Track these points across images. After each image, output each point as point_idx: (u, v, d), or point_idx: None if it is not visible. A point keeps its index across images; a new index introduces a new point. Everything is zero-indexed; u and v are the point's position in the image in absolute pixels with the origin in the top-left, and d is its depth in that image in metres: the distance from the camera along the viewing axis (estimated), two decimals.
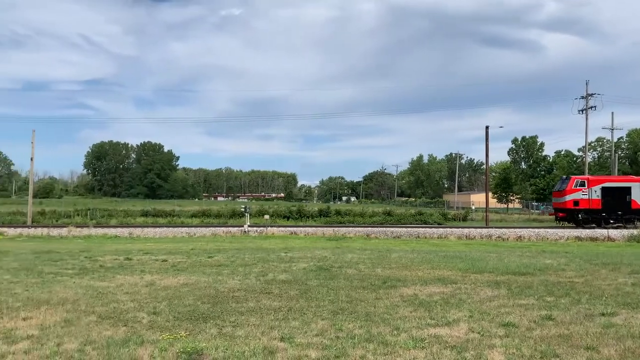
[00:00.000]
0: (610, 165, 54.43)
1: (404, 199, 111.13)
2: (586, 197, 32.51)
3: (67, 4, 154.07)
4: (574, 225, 32.68)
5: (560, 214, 33.91)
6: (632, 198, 32.40)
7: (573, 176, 35.86)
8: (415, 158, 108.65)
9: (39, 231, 29.60)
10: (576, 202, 32.58)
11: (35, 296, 9.04)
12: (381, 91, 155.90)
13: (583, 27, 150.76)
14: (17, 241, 24.74)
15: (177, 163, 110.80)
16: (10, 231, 29.81)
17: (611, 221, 32.62)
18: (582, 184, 32.76)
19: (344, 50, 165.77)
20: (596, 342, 6.14)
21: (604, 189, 32.55)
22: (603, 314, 7.60)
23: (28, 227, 32.92)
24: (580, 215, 32.82)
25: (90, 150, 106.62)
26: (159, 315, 7.54)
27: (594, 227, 31.89)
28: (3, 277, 11.35)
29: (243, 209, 31.88)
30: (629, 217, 32.63)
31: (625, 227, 31.80)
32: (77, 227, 31.53)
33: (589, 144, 52.80)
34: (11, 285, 10.21)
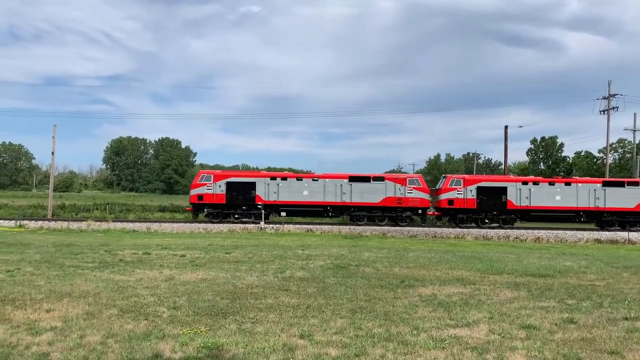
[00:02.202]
0: (632, 167, 53.58)
1: None
2: (461, 196, 32.36)
3: (88, 0, 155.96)
4: (454, 225, 32.76)
5: (436, 213, 33.96)
6: (507, 198, 32.30)
7: (449, 175, 35.94)
8: (432, 157, 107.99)
9: (59, 224, 30.02)
10: (451, 202, 32.49)
11: (57, 288, 9.17)
12: (399, 89, 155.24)
13: (606, 26, 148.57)
14: (38, 234, 25.12)
15: (194, 159, 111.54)
16: (32, 224, 30.29)
17: (487, 221, 32.56)
18: (458, 183, 32.70)
19: (362, 48, 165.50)
20: (620, 346, 6.05)
21: (479, 189, 32.44)
22: (626, 318, 7.49)
23: (48, 220, 33.41)
24: (454, 214, 32.95)
25: (109, 146, 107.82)
26: (179, 310, 7.61)
27: (473, 227, 32.00)
28: (26, 269, 11.54)
29: (260, 206, 31.99)
30: (505, 218, 32.58)
31: (502, 227, 31.80)
32: (97, 221, 31.92)
33: (610, 145, 52.01)
34: (34, 277, 10.38)
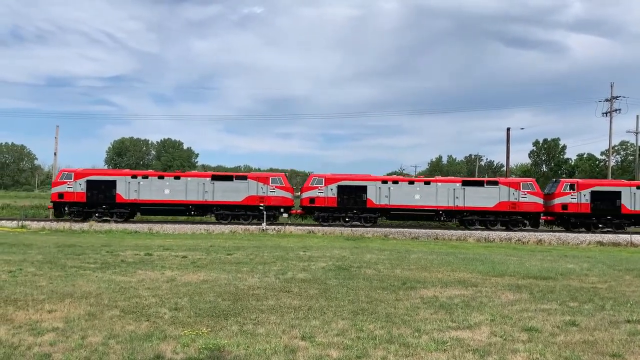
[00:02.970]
0: (634, 170, 53.49)
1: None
2: (323, 194, 32.74)
3: (91, 0, 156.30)
4: (318, 223, 32.98)
5: (299, 211, 34.31)
6: (367, 197, 32.75)
7: (311, 174, 36.94)
8: (434, 159, 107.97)
9: (61, 225, 30.05)
10: (312, 200, 32.85)
11: (59, 289, 9.19)
12: (402, 91, 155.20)
13: (610, 27, 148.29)
14: (40, 234, 25.17)
15: (196, 160, 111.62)
16: (34, 224, 30.34)
17: (347, 219, 32.90)
18: (320, 182, 33.09)
19: (365, 49, 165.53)
20: (622, 349, 6.04)
21: (340, 187, 32.80)
22: (628, 321, 7.47)
23: (50, 220, 33.47)
24: (313, 212, 33.35)
25: (111, 146, 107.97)
26: (181, 311, 7.61)
27: (336, 224, 32.28)
28: (28, 269, 11.55)
29: (261, 207, 32.00)
30: (366, 216, 32.99)
31: (363, 226, 32.10)
32: (98, 221, 31.96)
33: (613, 148, 51.96)
34: (36, 278, 10.39)
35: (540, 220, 33.38)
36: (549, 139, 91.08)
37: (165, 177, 33.42)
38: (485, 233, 30.21)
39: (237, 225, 31.41)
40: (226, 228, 30.18)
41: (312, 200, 32.68)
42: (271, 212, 32.75)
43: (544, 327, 7.02)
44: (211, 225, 31.12)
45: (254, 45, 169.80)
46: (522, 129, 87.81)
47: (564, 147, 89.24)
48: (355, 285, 10.22)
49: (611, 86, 45.62)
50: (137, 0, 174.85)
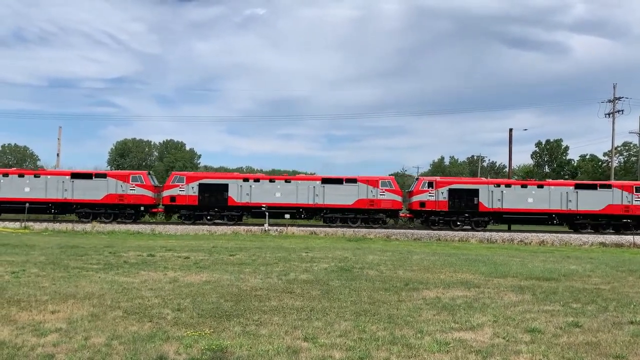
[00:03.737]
0: (637, 171, 53.39)
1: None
2: (184, 193, 32.97)
3: (93, 1, 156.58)
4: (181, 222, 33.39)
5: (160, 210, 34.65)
6: (229, 195, 33.07)
7: (172, 172, 37.99)
8: (436, 160, 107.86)
9: (63, 226, 30.10)
10: (173, 198, 33.07)
11: (62, 290, 9.20)
12: (404, 92, 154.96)
13: (612, 28, 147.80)
14: (43, 235, 25.21)
15: (198, 161, 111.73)
16: (37, 225, 30.40)
17: (209, 217, 33.26)
18: (181, 180, 33.44)
19: (367, 51, 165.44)
20: (625, 350, 6.03)
21: (200, 185, 33.04)
22: (632, 322, 7.46)
23: (53, 221, 33.52)
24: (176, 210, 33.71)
25: (114, 148, 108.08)
26: (183, 312, 7.62)
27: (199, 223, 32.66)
28: (31, 270, 11.58)
29: (263, 208, 32.02)
30: (227, 214, 33.33)
31: (226, 224, 32.33)
32: (101, 222, 32.02)
33: (615, 149, 51.86)
34: (39, 279, 10.41)
35: (403, 218, 34.02)
36: (551, 140, 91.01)
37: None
38: (487, 234, 30.18)
39: (239, 226, 31.46)
40: (229, 229, 30.22)
41: (172, 198, 32.92)
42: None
43: (546, 329, 7.01)
44: (213, 226, 31.16)
45: (256, 47, 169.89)
46: (525, 129, 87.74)
47: (567, 148, 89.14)
48: (357, 286, 10.22)
49: (614, 87, 45.58)
50: (140, 1, 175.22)
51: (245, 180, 33.53)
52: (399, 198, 33.14)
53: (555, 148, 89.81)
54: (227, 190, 32.91)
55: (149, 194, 33.24)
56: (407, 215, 33.99)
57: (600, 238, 29.38)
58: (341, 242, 24.04)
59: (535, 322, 7.38)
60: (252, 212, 33.40)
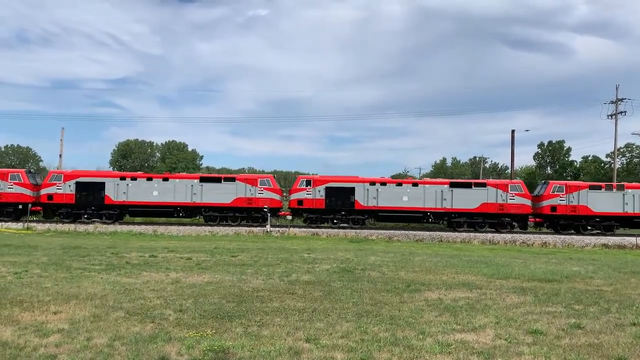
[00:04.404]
0: None
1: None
2: (61, 191, 32.86)
3: (96, 3, 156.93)
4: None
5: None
6: (105, 193, 32.98)
7: (51, 170, 37.73)
8: (438, 161, 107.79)
9: (66, 227, 30.15)
10: (50, 197, 32.98)
11: (65, 291, 9.22)
12: (406, 93, 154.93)
13: (615, 29, 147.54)
14: (45, 236, 25.25)
15: (200, 162, 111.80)
16: (39, 226, 30.45)
17: (85, 215, 33.15)
18: (58, 179, 33.25)
19: (369, 52, 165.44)
20: (627, 352, 6.02)
21: (77, 184, 32.91)
22: (634, 324, 7.45)
23: (56, 222, 33.59)
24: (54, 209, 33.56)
25: (116, 148, 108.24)
26: (185, 313, 7.63)
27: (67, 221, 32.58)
28: (33, 271, 11.60)
29: (265, 209, 32.03)
30: (105, 213, 33.10)
31: (103, 223, 32.15)
32: (103, 223, 32.07)
33: (618, 150, 51.78)
34: (41, 280, 10.43)
35: (284, 217, 34.24)
36: (553, 141, 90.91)
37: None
38: (489, 235, 30.14)
39: (241, 227, 31.48)
40: (230, 230, 30.24)
41: (50, 196, 32.82)
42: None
43: (549, 330, 7.00)
44: (215, 227, 31.18)
45: (258, 48, 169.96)
46: (527, 130, 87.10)
47: (569, 149, 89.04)
48: (359, 287, 10.22)
49: (616, 88, 45.53)
50: (142, 2, 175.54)
51: (122, 178, 33.53)
52: (277, 197, 33.39)
53: (558, 149, 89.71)
54: (103, 189, 32.85)
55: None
56: (287, 213, 34.15)
57: (602, 240, 29.32)
58: (343, 243, 24.04)
59: (537, 323, 7.37)
60: (129, 212, 33.52)
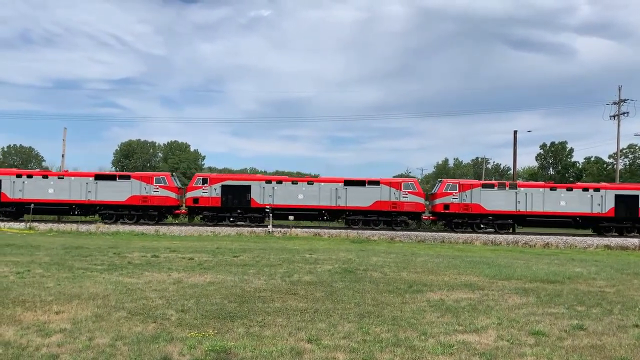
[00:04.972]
0: None
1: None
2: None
3: (99, 3, 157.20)
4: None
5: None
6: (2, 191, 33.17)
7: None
8: (440, 162, 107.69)
9: (68, 227, 30.19)
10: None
11: (67, 290, 9.23)
12: (408, 94, 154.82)
13: (618, 30, 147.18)
14: (47, 236, 25.29)
15: (202, 162, 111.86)
16: (42, 226, 30.50)
17: None
18: None
19: (371, 52, 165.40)
20: (630, 354, 6.01)
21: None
22: (637, 325, 7.43)
23: (58, 222, 33.63)
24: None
25: (118, 149, 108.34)
26: (187, 313, 7.63)
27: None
28: (36, 271, 11.62)
29: (267, 210, 32.04)
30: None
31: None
32: (105, 223, 32.11)
33: (621, 151, 51.69)
34: (43, 279, 10.45)
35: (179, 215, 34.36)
36: (556, 142, 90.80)
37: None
38: (492, 236, 30.10)
39: (243, 227, 31.49)
40: (232, 230, 30.26)
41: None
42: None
43: (551, 331, 6.99)
44: (217, 227, 31.20)
45: (261, 48, 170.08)
46: (529, 131, 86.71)
47: (572, 150, 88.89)
48: (361, 288, 10.21)
49: (619, 89, 45.41)
50: (145, 3, 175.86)
51: (19, 176, 33.67)
52: (174, 195, 33.45)
53: (560, 150, 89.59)
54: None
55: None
56: (183, 211, 34.23)
57: (605, 241, 29.26)
58: (345, 244, 24.03)
59: (539, 324, 7.36)
60: (25, 209, 33.43)
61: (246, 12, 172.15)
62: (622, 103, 44.82)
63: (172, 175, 35.81)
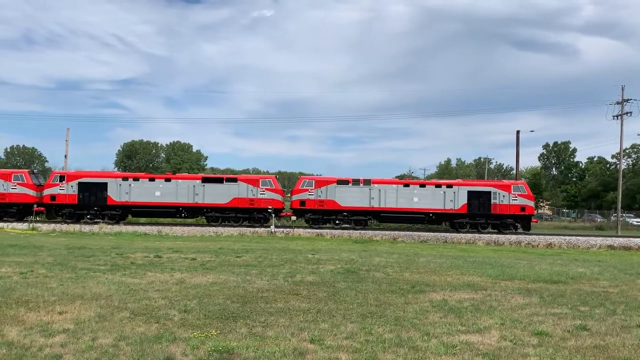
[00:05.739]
0: None
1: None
2: None
3: (101, 4, 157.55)
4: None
5: None
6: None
7: None
8: (443, 162, 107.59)
9: (71, 227, 30.26)
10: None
11: (70, 291, 9.25)
12: (410, 94, 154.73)
13: (622, 30, 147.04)
14: (50, 236, 25.35)
15: (205, 163, 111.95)
16: (44, 226, 30.59)
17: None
18: None
19: (374, 52, 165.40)
20: (634, 354, 5.99)
21: None
22: None
23: (61, 223, 33.72)
24: None
25: (121, 149, 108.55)
26: (190, 313, 7.64)
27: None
28: (39, 271, 11.64)
29: (269, 209, 32.06)
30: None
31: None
32: (108, 223, 32.17)
33: (624, 151, 51.54)
34: (46, 280, 10.47)
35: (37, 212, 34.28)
36: (559, 142, 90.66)
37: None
38: (494, 237, 30.07)
39: (245, 227, 31.51)
40: (235, 230, 30.27)
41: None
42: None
43: (554, 332, 6.97)
44: (220, 228, 31.22)
45: (264, 49, 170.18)
46: (532, 131, 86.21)
47: (574, 150, 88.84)
48: (364, 288, 10.21)
49: (622, 89, 45.30)
50: (148, 4, 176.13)
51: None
52: (32, 192, 33.43)
53: (563, 150, 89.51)
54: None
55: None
56: (41, 209, 34.13)
57: (608, 241, 29.21)
58: (347, 244, 24.03)
59: (542, 325, 7.34)
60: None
61: (249, 12, 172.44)
62: (625, 103, 44.70)
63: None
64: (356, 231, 31.31)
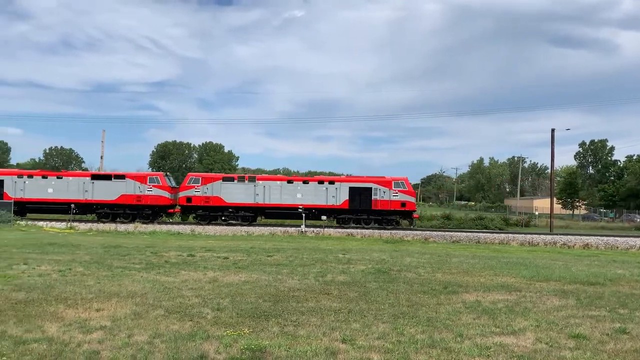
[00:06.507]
0: None
1: (463, 202, 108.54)
2: None
3: (137, 8, 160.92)
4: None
5: None
6: None
7: None
8: (475, 161, 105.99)
9: (107, 226, 30.98)
10: None
11: (106, 289, 9.47)
12: (443, 92, 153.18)
13: None
14: (87, 235, 25.99)
15: (236, 163, 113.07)
16: (82, 226, 31.38)
17: None
18: None
19: (406, 51, 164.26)
20: None
21: None
22: None
23: (97, 222, 34.53)
24: None
25: (155, 150, 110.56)
26: (223, 312, 7.72)
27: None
28: (76, 269, 11.96)
29: (300, 209, 32.18)
30: None
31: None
32: (142, 223, 32.80)
33: None
34: (84, 278, 10.74)
35: None
36: (595, 140, 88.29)
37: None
38: (528, 237, 29.48)
39: (276, 227, 31.71)
40: (266, 230, 30.50)
41: None
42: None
43: (592, 334, 6.80)
44: (251, 227, 31.50)
45: (295, 50, 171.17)
46: (568, 129, 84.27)
47: (612, 148, 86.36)
48: (395, 288, 10.14)
49: None
50: (181, 7, 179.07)
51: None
52: (166, 194, 33.96)
53: (600, 148, 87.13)
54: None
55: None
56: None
57: None
58: (378, 244, 23.92)
59: (579, 327, 7.16)
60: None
61: (280, 13, 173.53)
62: None
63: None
64: (387, 231, 31.13)
